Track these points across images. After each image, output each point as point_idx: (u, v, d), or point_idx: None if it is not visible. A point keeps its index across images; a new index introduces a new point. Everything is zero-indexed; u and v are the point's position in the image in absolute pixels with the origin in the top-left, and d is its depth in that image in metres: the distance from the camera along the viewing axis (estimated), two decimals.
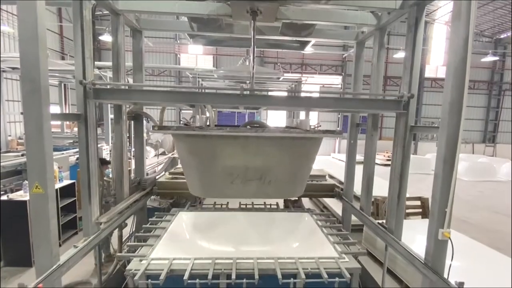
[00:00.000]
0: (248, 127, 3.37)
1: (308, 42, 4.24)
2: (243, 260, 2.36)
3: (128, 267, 2.24)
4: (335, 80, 21.06)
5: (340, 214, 4.47)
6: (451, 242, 2.12)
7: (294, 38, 3.83)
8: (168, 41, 19.56)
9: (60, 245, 4.72)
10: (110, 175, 3.66)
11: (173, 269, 2.21)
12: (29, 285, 1.82)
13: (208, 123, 2.63)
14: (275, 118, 20.32)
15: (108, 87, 2.64)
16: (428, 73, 20.99)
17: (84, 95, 2.46)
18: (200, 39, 4.57)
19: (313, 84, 20.36)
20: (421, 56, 2.69)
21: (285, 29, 3.49)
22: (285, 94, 2.83)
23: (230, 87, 8.31)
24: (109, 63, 8.52)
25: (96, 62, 3.29)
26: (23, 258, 4.13)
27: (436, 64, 21.14)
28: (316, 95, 2.85)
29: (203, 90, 2.76)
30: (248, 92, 2.59)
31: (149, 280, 2.11)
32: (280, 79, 7.74)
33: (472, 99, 20.89)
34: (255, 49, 3.07)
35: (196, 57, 20.05)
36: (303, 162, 2.88)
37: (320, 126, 2.94)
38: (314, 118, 21.38)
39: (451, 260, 2.14)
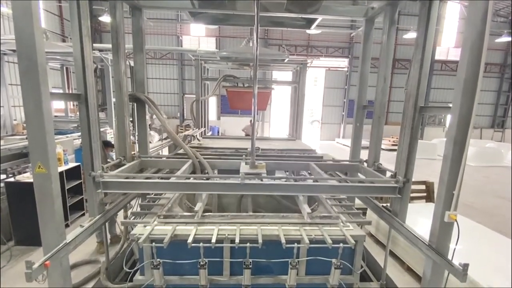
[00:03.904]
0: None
1: (314, 20, 4.06)
2: (247, 226, 2.39)
3: (132, 232, 2.29)
4: (342, 63, 20.50)
5: None
6: (458, 225, 2.10)
7: (300, 15, 3.65)
8: (170, 22, 19.07)
9: (68, 226, 4.90)
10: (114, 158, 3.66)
11: (177, 234, 2.25)
12: (37, 262, 1.86)
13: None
14: (278, 113, 20.07)
15: (116, 180, 2.66)
16: (439, 55, 20.25)
17: (94, 186, 2.54)
18: (201, 18, 4.40)
19: (318, 67, 19.90)
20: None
21: (290, 5, 3.32)
22: (283, 181, 2.82)
23: (235, 69, 8.17)
24: (109, 45, 8.37)
25: (97, 44, 3.20)
26: (33, 237, 4.24)
27: (447, 45, 20.34)
28: (316, 183, 2.88)
29: (205, 180, 2.82)
30: (248, 182, 2.59)
31: (153, 244, 2.16)
32: (285, 61, 7.54)
33: (482, 82, 20.25)
34: (259, 28, 2.94)
35: (198, 39, 19.60)
36: None
37: (317, 209, 2.92)
38: (319, 100, 21.03)
39: (456, 243, 2.12)
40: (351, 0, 3.55)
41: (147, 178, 3.04)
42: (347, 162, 3.89)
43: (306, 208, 2.62)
